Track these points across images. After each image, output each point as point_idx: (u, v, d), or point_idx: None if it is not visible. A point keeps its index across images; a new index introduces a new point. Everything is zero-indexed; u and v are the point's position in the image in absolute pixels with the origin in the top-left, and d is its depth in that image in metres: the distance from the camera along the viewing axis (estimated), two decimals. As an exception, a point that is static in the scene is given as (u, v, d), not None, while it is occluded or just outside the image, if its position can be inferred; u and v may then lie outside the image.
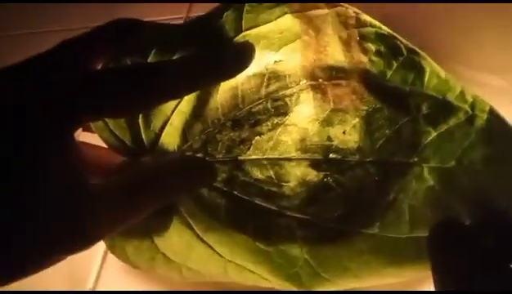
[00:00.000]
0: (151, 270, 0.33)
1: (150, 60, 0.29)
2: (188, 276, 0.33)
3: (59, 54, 0.25)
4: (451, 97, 0.29)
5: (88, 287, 0.40)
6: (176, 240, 0.31)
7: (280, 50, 0.30)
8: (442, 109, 0.29)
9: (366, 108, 0.30)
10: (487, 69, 0.31)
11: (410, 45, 0.29)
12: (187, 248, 0.31)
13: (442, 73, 0.29)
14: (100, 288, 0.40)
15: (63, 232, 0.22)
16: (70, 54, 0.25)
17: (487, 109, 0.29)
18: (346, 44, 0.30)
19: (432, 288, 0.26)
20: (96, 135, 0.30)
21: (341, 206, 0.31)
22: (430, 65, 0.29)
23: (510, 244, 0.27)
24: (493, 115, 0.29)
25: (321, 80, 0.30)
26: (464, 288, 0.25)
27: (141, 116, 0.30)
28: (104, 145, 0.31)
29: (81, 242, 0.23)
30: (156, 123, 0.30)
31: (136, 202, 0.25)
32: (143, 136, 0.31)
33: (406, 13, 0.31)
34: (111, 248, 0.32)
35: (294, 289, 0.32)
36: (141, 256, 0.32)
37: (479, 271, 0.26)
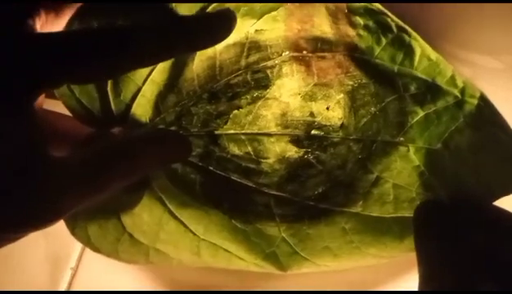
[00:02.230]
0: (114, 254, 0.31)
1: (120, 22, 0.26)
2: (155, 259, 0.31)
3: (16, 14, 0.23)
4: (441, 81, 0.28)
5: (70, 267, 0.39)
6: (146, 217, 0.30)
7: (261, 18, 0.28)
8: (431, 90, 0.28)
9: (351, 83, 0.29)
10: (482, 50, 0.30)
11: (401, 23, 0.28)
12: (158, 226, 0.30)
13: (433, 55, 0.28)
14: (82, 267, 0.39)
15: (21, 206, 0.20)
16: (29, 13, 0.23)
17: (478, 95, 0.28)
18: (333, 15, 0.28)
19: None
20: (61, 103, 0.28)
21: (322, 184, 0.30)
22: (421, 46, 0.28)
23: (487, 232, 0.26)
24: (484, 102, 0.28)
25: (305, 52, 0.29)
26: (449, 272, 0.25)
27: (110, 84, 0.28)
28: (70, 114, 0.29)
29: (42, 217, 0.21)
30: (127, 93, 0.28)
31: (104, 177, 0.23)
32: (112, 106, 0.28)
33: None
34: (72, 228, 0.30)
35: (271, 269, 0.31)
36: (104, 236, 0.30)
37: (464, 255, 0.25)
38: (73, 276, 0.38)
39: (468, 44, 0.30)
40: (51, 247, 0.35)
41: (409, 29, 0.28)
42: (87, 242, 0.30)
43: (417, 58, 0.28)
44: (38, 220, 0.21)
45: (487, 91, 0.29)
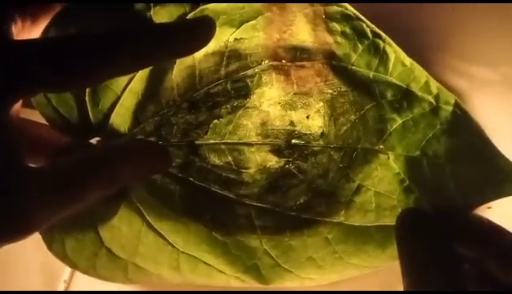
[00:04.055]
0: (91, 270, 0.29)
1: (96, 29, 0.26)
2: (133, 276, 0.30)
3: None
4: (415, 87, 0.28)
5: (63, 279, 0.38)
6: (124, 230, 0.29)
7: (240, 26, 0.28)
8: (407, 97, 0.28)
9: (330, 91, 0.29)
10: (480, 62, 0.30)
11: (376, 29, 0.28)
12: (136, 239, 0.29)
13: (407, 61, 0.28)
14: (75, 280, 0.37)
15: None
16: (5, 20, 0.23)
17: (453, 101, 0.28)
18: (311, 22, 0.28)
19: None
20: (38, 112, 0.28)
21: (303, 194, 0.30)
22: (395, 51, 0.28)
23: (470, 241, 0.26)
24: (459, 109, 0.28)
25: (284, 61, 0.29)
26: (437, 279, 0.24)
27: (88, 93, 0.28)
28: (47, 124, 0.28)
29: (16, 229, 0.20)
30: (105, 102, 0.28)
31: (81, 188, 0.22)
32: (90, 116, 0.28)
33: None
34: (48, 243, 0.29)
35: (252, 282, 0.30)
36: (81, 251, 0.29)
37: (450, 263, 0.25)
38: (66, 289, 0.37)
39: (465, 56, 0.30)
40: (46, 259, 0.35)
41: (383, 35, 0.28)
42: (64, 257, 0.29)
43: (391, 64, 0.28)
44: (12, 232, 0.20)
45: (484, 102, 0.30)
